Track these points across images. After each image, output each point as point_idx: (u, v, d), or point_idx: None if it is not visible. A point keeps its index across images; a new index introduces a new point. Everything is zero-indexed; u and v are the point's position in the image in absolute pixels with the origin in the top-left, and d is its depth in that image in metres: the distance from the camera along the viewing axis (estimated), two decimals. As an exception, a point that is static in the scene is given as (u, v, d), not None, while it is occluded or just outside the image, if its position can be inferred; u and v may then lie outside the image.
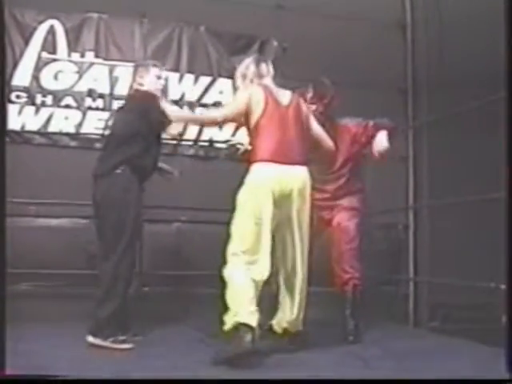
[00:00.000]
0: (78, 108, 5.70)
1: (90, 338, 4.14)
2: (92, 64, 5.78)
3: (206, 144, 5.99)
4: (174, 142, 5.86)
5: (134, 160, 4.24)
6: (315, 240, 4.77)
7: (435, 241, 5.84)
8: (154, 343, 4.29)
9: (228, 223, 3.90)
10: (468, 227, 5.55)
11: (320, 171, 4.74)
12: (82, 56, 5.77)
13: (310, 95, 4.64)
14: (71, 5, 5.66)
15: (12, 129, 5.47)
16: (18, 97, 5.57)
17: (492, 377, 3.10)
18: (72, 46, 5.74)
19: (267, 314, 4.13)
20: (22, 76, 5.59)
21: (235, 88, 4.47)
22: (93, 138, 5.66)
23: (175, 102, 5.87)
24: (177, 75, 5.97)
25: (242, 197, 3.92)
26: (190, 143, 5.94)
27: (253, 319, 3.68)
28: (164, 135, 4.54)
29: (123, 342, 4.16)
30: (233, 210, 3.90)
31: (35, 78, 5.62)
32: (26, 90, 5.59)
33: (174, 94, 5.91)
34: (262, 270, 3.84)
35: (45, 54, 5.68)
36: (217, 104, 5.99)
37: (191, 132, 5.95)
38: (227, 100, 5.80)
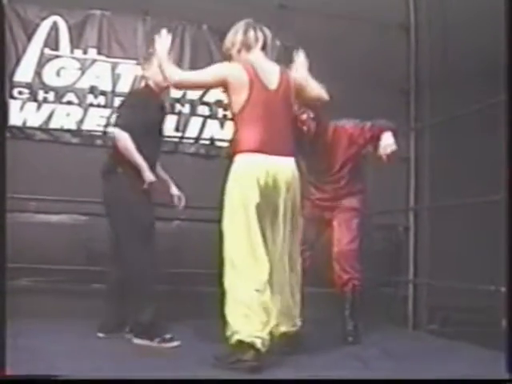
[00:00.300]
0: (79, 105, 5.70)
1: (136, 340, 4.18)
2: (94, 61, 5.77)
3: (207, 142, 5.99)
4: (175, 139, 5.86)
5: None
6: (315, 240, 4.80)
7: (435, 243, 5.83)
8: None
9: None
10: (468, 229, 5.54)
11: (319, 172, 4.74)
12: (85, 53, 5.76)
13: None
14: (74, 1, 5.66)
15: (14, 124, 5.48)
16: (20, 93, 5.56)
17: (492, 377, 3.10)
18: (75, 43, 5.74)
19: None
20: (24, 72, 5.59)
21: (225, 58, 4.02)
22: (94, 135, 5.67)
23: (177, 100, 5.88)
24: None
25: (229, 191, 3.66)
26: (191, 141, 5.94)
27: (256, 339, 3.47)
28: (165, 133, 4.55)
29: (170, 340, 4.18)
30: (221, 206, 3.70)
31: (37, 74, 5.62)
32: (28, 86, 5.58)
33: (176, 92, 5.90)
34: (261, 273, 3.59)
35: (47, 51, 5.67)
36: (218, 103, 5.99)
37: (192, 130, 5.95)
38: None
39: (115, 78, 5.79)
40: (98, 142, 5.61)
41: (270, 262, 3.66)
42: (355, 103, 5.20)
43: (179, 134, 5.89)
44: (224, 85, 3.75)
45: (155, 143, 4.47)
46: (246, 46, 3.87)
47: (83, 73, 5.73)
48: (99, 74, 5.77)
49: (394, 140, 4.47)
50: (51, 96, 5.64)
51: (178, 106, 5.91)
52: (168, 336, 4.18)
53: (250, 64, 3.77)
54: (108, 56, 5.80)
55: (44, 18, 5.66)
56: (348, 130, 4.67)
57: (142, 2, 5.71)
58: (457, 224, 5.49)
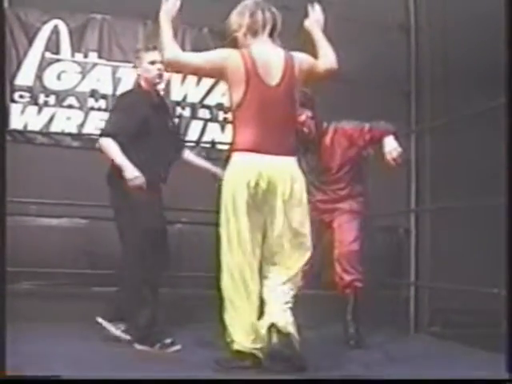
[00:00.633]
0: (80, 108, 5.70)
1: (138, 346, 4.16)
2: (95, 64, 5.78)
3: (208, 145, 5.99)
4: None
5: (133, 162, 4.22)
6: (315, 242, 4.78)
7: (436, 245, 5.83)
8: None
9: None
10: (469, 231, 5.54)
11: (319, 173, 4.74)
12: (86, 56, 5.78)
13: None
14: (75, 5, 5.66)
15: (14, 128, 5.49)
16: (21, 96, 5.58)
17: (492, 377, 3.10)
18: (75, 47, 5.75)
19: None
20: (25, 76, 5.60)
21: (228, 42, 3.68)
22: (95, 139, 5.66)
23: (178, 104, 5.88)
24: (180, 76, 5.96)
25: (222, 194, 3.49)
26: (192, 144, 5.95)
27: (256, 350, 3.43)
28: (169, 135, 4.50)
29: (171, 345, 4.14)
30: (217, 209, 3.53)
31: (38, 77, 5.63)
32: (29, 89, 5.60)
33: (176, 94, 5.91)
34: (252, 293, 3.47)
35: (48, 54, 5.69)
36: (219, 106, 6.00)
37: (193, 133, 5.96)
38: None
39: (116, 82, 5.79)
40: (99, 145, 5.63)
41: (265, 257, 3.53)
42: (355, 105, 5.20)
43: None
44: (221, 76, 3.52)
45: (158, 143, 4.34)
46: (252, 32, 3.53)
47: (84, 76, 5.75)
48: (100, 78, 5.78)
49: (397, 142, 4.48)
50: (52, 100, 5.65)
51: (178, 109, 5.90)
52: (168, 341, 4.14)
53: (250, 55, 3.45)
54: (109, 60, 5.82)
55: (45, 22, 5.68)
56: (347, 131, 4.67)
57: (142, 5, 5.71)
58: (458, 226, 5.49)
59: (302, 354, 3.41)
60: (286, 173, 3.49)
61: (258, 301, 3.51)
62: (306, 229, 3.60)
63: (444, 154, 5.73)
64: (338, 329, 4.67)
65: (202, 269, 5.06)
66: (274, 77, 3.47)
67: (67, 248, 5.31)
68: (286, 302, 3.49)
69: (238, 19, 3.57)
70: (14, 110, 5.55)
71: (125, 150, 4.20)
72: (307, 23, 3.78)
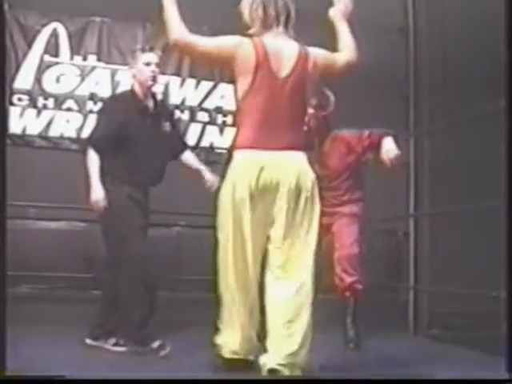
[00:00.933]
0: (79, 111, 5.71)
1: (120, 348, 4.16)
2: (94, 68, 5.79)
3: (207, 148, 5.99)
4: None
5: (110, 166, 4.23)
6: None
7: (435, 248, 5.83)
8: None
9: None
10: (468, 234, 5.55)
11: (318, 179, 4.74)
12: (85, 59, 5.79)
13: (313, 103, 4.65)
14: (75, 8, 5.66)
15: (13, 132, 5.49)
16: (19, 99, 5.59)
17: (492, 377, 3.11)
18: (74, 50, 5.77)
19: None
20: (24, 79, 5.62)
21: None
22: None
23: (176, 107, 5.87)
24: (178, 80, 5.98)
25: (221, 194, 3.31)
26: (191, 147, 5.94)
27: (249, 354, 3.37)
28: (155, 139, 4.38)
29: (161, 347, 4.09)
30: (215, 211, 3.36)
31: (37, 80, 5.65)
32: (28, 92, 5.61)
33: (175, 98, 5.91)
34: (248, 298, 3.33)
35: (47, 57, 5.70)
36: (218, 109, 6.01)
37: (192, 136, 5.96)
38: (228, 105, 5.84)
39: (115, 85, 5.80)
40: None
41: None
42: (354, 108, 5.20)
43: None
44: (230, 62, 3.27)
45: (146, 147, 4.28)
46: (266, 26, 3.33)
47: (83, 79, 5.76)
48: (99, 81, 5.78)
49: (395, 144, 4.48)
50: (51, 103, 5.66)
51: (177, 113, 5.90)
52: (158, 343, 4.10)
53: (262, 44, 3.26)
54: (108, 63, 5.83)
55: (44, 25, 5.70)
56: (346, 138, 4.68)
57: (141, 8, 5.72)
58: (457, 229, 5.50)
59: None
60: (291, 168, 3.25)
61: (259, 313, 3.39)
62: (314, 228, 3.31)
63: (443, 157, 5.73)
64: (337, 332, 4.67)
65: (202, 272, 5.05)
66: (285, 68, 3.27)
67: (67, 251, 5.30)
68: (290, 322, 3.19)
69: (252, 13, 3.35)
70: (13, 113, 5.56)
71: (107, 154, 4.21)
72: (332, 12, 3.60)
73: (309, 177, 3.31)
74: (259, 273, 3.34)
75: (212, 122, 6.03)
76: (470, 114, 5.02)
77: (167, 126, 4.53)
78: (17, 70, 5.60)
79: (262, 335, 3.37)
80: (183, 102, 5.98)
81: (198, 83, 6.02)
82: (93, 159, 4.20)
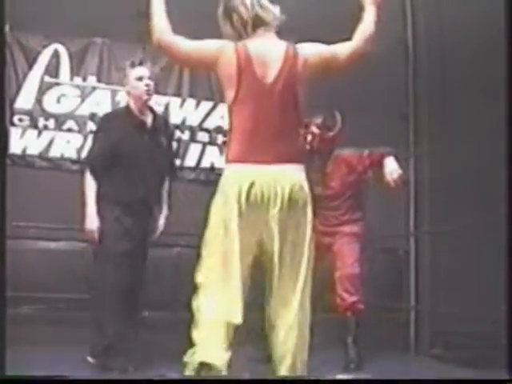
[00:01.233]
0: (79, 132, 5.71)
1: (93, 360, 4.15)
2: (94, 88, 5.81)
3: (207, 168, 5.99)
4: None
5: (104, 188, 4.24)
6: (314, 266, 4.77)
7: (436, 266, 5.82)
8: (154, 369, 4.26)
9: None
10: (469, 253, 5.53)
11: (319, 199, 4.74)
12: (85, 80, 5.81)
13: (318, 121, 4.67)
14: (76, 29, 5.68)
15: (14, 152, 5.51)
16: (20, 120, 5.59)
17: (492, 377, 3.09)
18: (75, 70, 5.79)
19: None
20: (25, 99, 5.63)
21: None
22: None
23: (177, 127, 5.87)
24: (178, 100, 5.99)
25: (212, 209, 3.03)
26: (191, 167, 5.95)
27: (218, 360, 2.88)
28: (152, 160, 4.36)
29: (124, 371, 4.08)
30: (204, 225, 3.06)
31: (38, 101, 5.66)
32: (28, 113, 5.62)
33: (175, 118, 5.92)
34: (232, 311, 2.90)
35: (48, 78, 5.71)
36: (218, 129, 6.02)
37: (192, 157, 5.96)
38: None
39: (115, 105, 5.79)
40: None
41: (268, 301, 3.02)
42: (353, 128, 5.20)
43: (179, 161, 5.89)
44: (212, 67, 3.05)
45: (141, 164, 4.27)
46: (247, 30, 3.07)
47: (83, 100, 5.76)
48: (99, 101, 5.79)
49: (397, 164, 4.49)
50: (51, 123, 5.67)
51: (177, 133, 5.91)
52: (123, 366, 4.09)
53: (245, 49, 3.00)
54: (108, 83, 5.84)
55: (45, 46, 5.72)
56: (347, 158, 4.70)
57: (142, 30, 5.74)
58: (457, 247, 5.48)
59: None
60: (283, 183, 2.95)
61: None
62: (306, 247, 3.01)
63: (443, 175, 5.73)
64: (338, 352, 4.65)
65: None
66: (271, 72, 2.99)
67: (66, 271, 5.29)
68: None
69: (224, 23, 3.13)
70: (14, 133, 5.56)
71: (103, 175, 4.23)
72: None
73: (303, 193, 3.01)
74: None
75: (212, 142, 6.04)
76: (470, 132, 5.02)
77: (163, 142, 4.52)
78: (18, 90, 5.61)
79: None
80: (183, 122, 5.98)
81: (197, 103, 6.03)
82: (90, 184, 4.23)
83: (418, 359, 5.52)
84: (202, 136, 6.03)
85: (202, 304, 3.00)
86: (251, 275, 3.01)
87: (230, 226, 2.92)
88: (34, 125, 5.62)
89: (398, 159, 4.51)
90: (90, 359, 4.25)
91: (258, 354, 3.82)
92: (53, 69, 5.74)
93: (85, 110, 5.75)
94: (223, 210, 2.95)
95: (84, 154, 5.55)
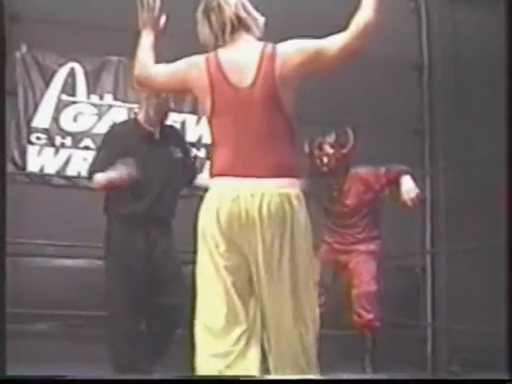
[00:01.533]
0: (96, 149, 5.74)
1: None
2: (111, 106, 5.84)
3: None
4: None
5: (111, 205, 4.23)
6: (331, 284, 4.76)
7: (453, 283, 5.79)
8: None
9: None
10: (485, 271, 5.51)
11: (336, 217, 4.75)
12: (101, 98, 5.85)
13: (331, 140, 4.67)
14: (92, 48, 5.73)
15: (31, 170, 5.55)
16: (38, 138, 5.63)
17: (492, 377, 3.06)
18: (91, 89, 5.83)
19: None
20: (42, 118, 5.68)
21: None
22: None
23: (192, 145, 5.87)
24: (194, 118, 6.01)
25: (198, 227, 2.72)
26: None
27: None
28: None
29: None
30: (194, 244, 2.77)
31: (55, 119, 5.70)
32: (45, 131, 5.66)
33: (191, 136, 5.94)
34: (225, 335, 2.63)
35: (64, 96, 5.75)
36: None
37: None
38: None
39: (131, 123, 5.83)
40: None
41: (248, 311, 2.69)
42: (369, 144, 5.21)
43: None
44: (186, 88, 2.85)
45: (154, 178, 4.15)
46: (218, 37, 2.79)
47: (100, 118, 5.80)
48: (115, 119, 5.81)
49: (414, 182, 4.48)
50: (68, 141, 5.71)
51: (194, 150, 5.92)
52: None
53: (215, 57, 2.74)
54: (124, 101, 5.87)
55: (62, 65, 5.77)
56: (363, 176, 4.69)
57: (157, 48, 5.77)
58: (474, 265, 5.46)
59: None
60: (272, 197, 2.59)
61: None
62: (308, 272, 2.69)
63: (459, 192, 5.71)
64: (355, 369, 4.63)
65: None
66: (247, 76, 2.68)
67: (83, 289, 5.30)
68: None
69: (203, 23, 2.84)
70: (31, 151, 5.60)
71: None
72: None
73: (297, 209, 2.63)
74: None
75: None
76: (486, 149, 5.02)
77: (178, 151, 4.38)
78: (35, 109, 5.66)
79: None
80: (199, 140, 6.00)
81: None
82: (100, 175, 4.10)
83: (435, 377, 5.48)
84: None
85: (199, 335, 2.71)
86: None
87: (212, 246, 2.65)
88: (51, 143, 5.67)
89: (414, 177, 4.50)
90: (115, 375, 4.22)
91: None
92: (69, 87, 5.78)
93: (101, 128, 5.77)
94: (202, 234, 2.68)
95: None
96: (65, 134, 5.71)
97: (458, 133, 5.74)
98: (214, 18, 2.78)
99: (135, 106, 5.72)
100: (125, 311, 4.12)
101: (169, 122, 4.55)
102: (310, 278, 2.74)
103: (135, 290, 4.11)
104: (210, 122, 2.77)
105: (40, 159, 5.63)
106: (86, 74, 5.82)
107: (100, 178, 4.08)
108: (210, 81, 2.70)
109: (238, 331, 2.65)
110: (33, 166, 5.59)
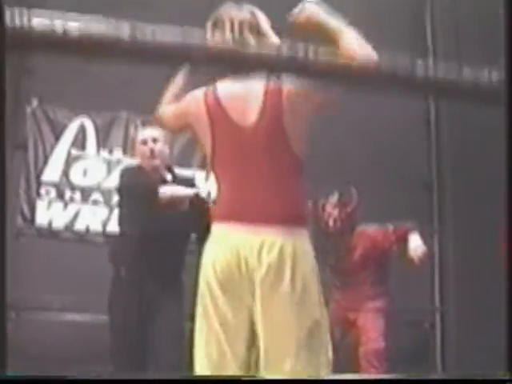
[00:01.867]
0: (105, 204, 5.76)
1: None
2: (120, 161, 5.87)
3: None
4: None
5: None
6: (339, 342, 4.72)
7: (463, 337, 5.74)
8: None
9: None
10: (496, 326, 5.46)
11: (343, 275, 4.73)
12: (111, 153, 5.88)
13: (334, 200, 4.68)
14: (102, 103, 5.79)
15: (40, 223, 5.57)
16: (47, 192, 5.66)
17: (492, 377, 3.00)
18: (101, 143, 5.87)
19: None
20: (51, 171, 5.71)
21: None
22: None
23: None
24: (203, 173, 6.02)
25: (199, 277, 2.50)
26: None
27: None
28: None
29: None
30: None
31: (65, 173, 5.73)
32: (55, 185, 5.69)
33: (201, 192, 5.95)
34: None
35: (74, 151, 5.80)
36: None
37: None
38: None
39: (140, 179, 5.85)
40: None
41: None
42: (376, 200, 5.21)
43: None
44: (186, 125, 2.69)
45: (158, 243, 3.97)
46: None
47: (109, 172, 5.83)
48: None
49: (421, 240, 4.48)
50: (77, 195, 5.74)
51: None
52: None
53: (214, 91, 2.51)
54: (133, 156, 5.89)
55: (72, 119, 5.82)
56: (371, 234, 4.68)
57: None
58: (483, 321, 5.42)
59: None
60: (273, 246, 2.36)
61: None
62: (316, 330, 2.54)
63: (468, 247, 5.70)
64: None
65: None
66: (250, 114, 2.45)
67: (92, 344, 5.28)
68: None
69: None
70: (40, 205, 5.63)
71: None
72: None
73: (302, 260, 2.39)
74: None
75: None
76: (494, 202, 5.01)
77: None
78: (45, 162, 5.71)
79: None
80: (209, 196, 5.99)
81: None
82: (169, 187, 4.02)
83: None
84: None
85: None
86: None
87: (209, 300, 2.42)
88: (60, 197, 5.69)
89: (422, 234, 4.50)
90: None
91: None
92: (79, 141, 5.83)
93: (111, 183, 5.79)
94: (201, 286, 2.47)
95: (109, 227, 5.63)
96: (74, 188, 5.74)
97: (466, 188, 5.74)
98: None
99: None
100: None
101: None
102: (321, 329, 2.60)
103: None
104: (212, 163, 2.54)
105: (49, 213, 5.65)
106: (96, 129, 5.87)
107: (165, 190, 3.95)
108: (208, 115, 2.49)
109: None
110: (41, 219, 5.61)
